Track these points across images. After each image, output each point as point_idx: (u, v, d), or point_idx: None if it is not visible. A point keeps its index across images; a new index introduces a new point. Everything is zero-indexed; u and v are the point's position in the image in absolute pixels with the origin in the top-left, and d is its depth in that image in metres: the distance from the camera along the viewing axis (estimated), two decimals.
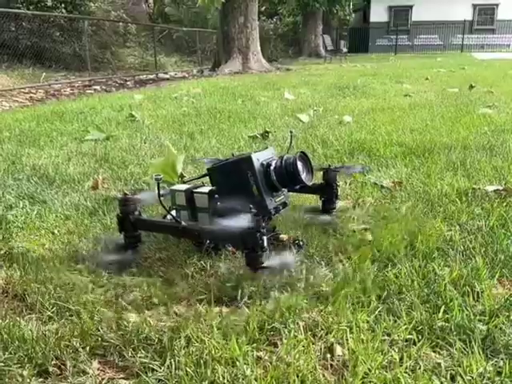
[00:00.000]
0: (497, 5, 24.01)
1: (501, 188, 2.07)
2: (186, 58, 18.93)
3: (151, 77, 13.16)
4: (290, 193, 1.70)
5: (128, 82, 11.47)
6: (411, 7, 24.82)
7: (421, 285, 1.28)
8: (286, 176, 1.51)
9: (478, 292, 1.24)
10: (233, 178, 1.52)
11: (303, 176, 1.53)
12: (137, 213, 1.56)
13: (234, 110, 4.91)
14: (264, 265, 1.36)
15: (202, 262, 1.47)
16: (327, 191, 1.86)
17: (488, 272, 1.35)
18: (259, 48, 13.11)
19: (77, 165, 2.61)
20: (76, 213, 1.88)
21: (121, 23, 15.43)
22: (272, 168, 1.51)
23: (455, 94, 5.75)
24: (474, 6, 24.14)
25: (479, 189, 2.09)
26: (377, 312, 1.16)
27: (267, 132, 3.64)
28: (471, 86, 6.13)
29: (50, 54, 11.08)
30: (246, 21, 12.52)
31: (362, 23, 27.66)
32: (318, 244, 1.57)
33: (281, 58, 21.76)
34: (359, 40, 25.41)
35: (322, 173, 1.89)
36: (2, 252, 1.54)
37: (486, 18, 24.38)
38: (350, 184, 2.29)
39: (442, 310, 1.15)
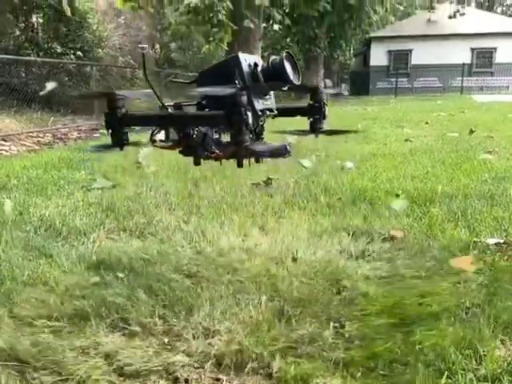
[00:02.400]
0: (495, 48, 24.68)
1: (502, 241, 2.09)
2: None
3: None
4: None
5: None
6: (410, 51, 25.53)
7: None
8: (274, 76, 1.48)
9: (480, 355, 1.24)
10: (220, 79, 1.47)
11: (290, 75, 1.50)
12: (124, 110, 1.54)
13: None
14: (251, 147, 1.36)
15: None
16: (315, 111, 1.83)
17: (491, 332, 1.35)
18: None
19: (83, 215, 2.66)
20: (80, 268, 1.90)
21: (128, 68, 15.90)
22: (259, 69, 1.50)
23: (455, 138, 5.84)
24: (473, 49, 24.81)
25: (480, 242, 2.11)
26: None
27: (270, 179, 3.70)
28: (471, 131, 6.23)
29: (59, 98, 11.35)
30: None
31: (363, 67, 28.39)
32: None
33: (283, 99, 22.21)
34: (360, 83, 26.00)
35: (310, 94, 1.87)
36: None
37: (484, 61, 25.01)
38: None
39: (445, 375, 1.15)
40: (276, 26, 21.38)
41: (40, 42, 12.69)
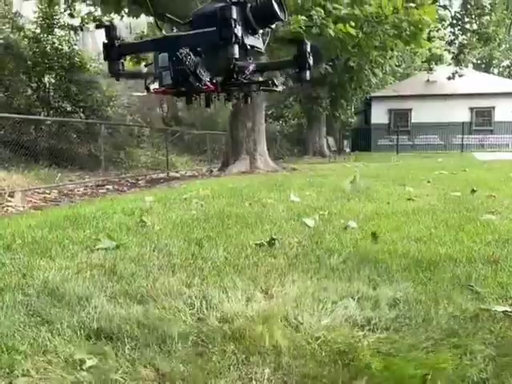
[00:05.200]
0: (493, 107, 25.35)
1: (509, 310, 2.06)
2: (196, 157, 19.74)
3: (162, 175, 13.63)
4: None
5: (140, 181, 11.87)
6: (410, 110, 26.23)
7: None
8: (262, 13, 1.60)
9: None
10: (210, 20, 1.57)
11: (278, 11, 1.61)
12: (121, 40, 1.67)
13: (242, 214, 5.02)
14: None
15: None
16: (301, 62, 1.86)
17: None
18: (266, 149, 13.70)
19: (86, 278, 2.66)
20: (81, 337, 1.88)
21: (136, 126, 16.36)
22: (248, 7, 1.59)
23: (458, 198, 5.88)
24: (471, 108, 25.49)
25: (487, 310, 2.08)
26: None
27: (273, 239, 3.71)
28: (473, 190, 6.28)
29: (67, 155, 11.64)
30: (254, 125, 13.21)
31: (364, 124, 29.08)
32: None
33: (287, 156, 22.63)
34: (361, 140, 26.54)
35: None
36: None
37: (483, 119, 25.64)
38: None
39: None
40: (280, 87, 22.16)
41: (51, 101, 13.15)
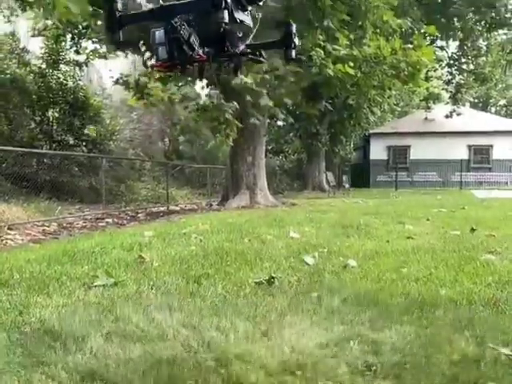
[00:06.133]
0: (491, 146, 25.66)
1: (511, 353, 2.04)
2: (196, 190, 19.81)
3: (162, 209, 13.63)
4: None
5: (140, 215, 11.86)
6: (409, 147, 26.53)
7: None
8: None
9: None
10: None
11: None
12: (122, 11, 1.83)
13: (241, 251, 5.00)
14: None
15: None
16: (287, 41, 2.03)
17: None
18: (266, 184, 13.76)
19: (82, 317, 2.62)
20: (73, 380, 1.85)
21: (137, 160, 16.49)
22: None
23: (457, 237, 5.87)
24: (470, 146, 25.80)
25: (489, 354, 2.05)
26: None
27: (273, 277, 3.68)
28: (472, 229, 6.28)
29: (67, 188, 11.69)
30: (254, 160, 13.33)
31: (363, 160, 29.35)
32: None
33: (286, 191, 22.71)
34: (360, 175, 26.72)
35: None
36: None
37: (482, 157, 25.91)
38: None
39: None
40: (280, 122, 22.52)
41: (54, 134, 13.33)
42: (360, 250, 5.00)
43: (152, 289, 3.36)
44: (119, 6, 1.93)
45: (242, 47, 2.01)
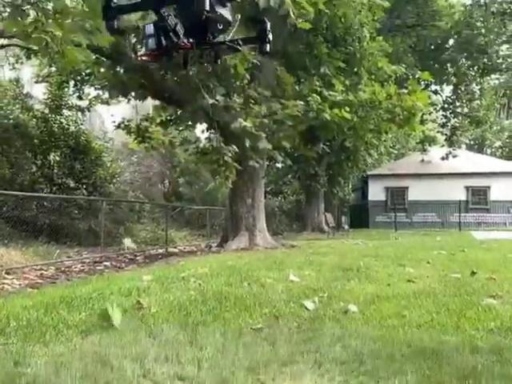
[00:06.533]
0: (488, 187, 25.83)
1: None
2: (195, 231, 19.77)
3: (161, 251, 13.56)
4: None
5: (138, 257, 11.78)
6: (407, 188, 26.69)
7: None
8: None
9: None
10: None
11: None
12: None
13: (240, 295, 4.95)
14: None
15: None
16: (262, 37, 2.42)
17: None
18: (265, 226, 13.74)
19: (78, 369, 2.58)
20: None
21: (137, 203, 16.55)
22: None
23: (457, 280, 5.83)
24: (467, 187, 25.96)
25: None
26: None
27: (272, 324, 3.64)
28: (473, 272, 6.24)
29: (66, 231, 11.66)
30: (253, 202, 13.36)
31: (362, 201, 29.44)
32: None
33: (285, 232, 22.65)
34: (359, 216, 26.72)
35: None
36: None
37: (479, 198, 26.03)
38: None
39: None
40: (279, 164, 22.75)
41: (54, 177, 13.43)
42: (361, 294, 4.95)
43: (149, 337, 3.31)
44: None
45: (222, 38, 2.35)
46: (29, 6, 4.21)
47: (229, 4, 2.32)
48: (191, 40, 2.25)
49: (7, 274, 7.83)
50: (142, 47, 2.37)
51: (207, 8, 2.04)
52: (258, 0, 5.27)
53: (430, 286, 5.53)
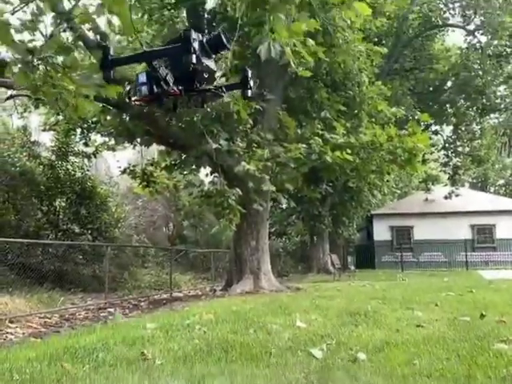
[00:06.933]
0: (494, 225, 25.68)
1: None
2: (200, 274, 19.61)
3: (165, 296, 13.44)
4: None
5: (142, 303, 11.68)
6: (412, 227, 26.58)
7: None
8: (215, 42, 2.45)
9: None
10: (177, 40, 2.43)
11: (225, 41, 2.47)
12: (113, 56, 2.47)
13: (246, 344, 4.87)
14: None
15: None
16: (245, 85, 2.72)
17: None
18: (270, 268, 13.65)
19: None
20: None
21: (141, 247, 16.52)
22: (205, 40, 2.44)
23: (467, 323, 5.73)
24: (473, 226, 25.82)
25: None
26: None
27: (280, 376, 3.58)
28: (482, 315, 6.13)
29: (71, 277, 11.61)
30: (258, 244, 13.32)
31: (367, 240, 29.27)
32: None
33: (291, 273, 22.43)
34: (365, 256, 26.50)
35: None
36: None
37: (485, 237, 25.84)
38: None
39: None
40: (283, 203, 22.82)
41: (59, 223, 13.50)
42: (369, 341, 4.86)
43: None
44: (111, 51, 2.57)
45: (207, 85, 2.57)
46: (39, 61, 4.36)
47: (214, 56, 2.64)
48: (180, 87, 2.49)
49: (11, 322, 7.77)
50: (135, 93, 2.64)
51: (194, 61, 2.35)
52: (259, 52, 5.45)
53: (440, 330, 5.43)
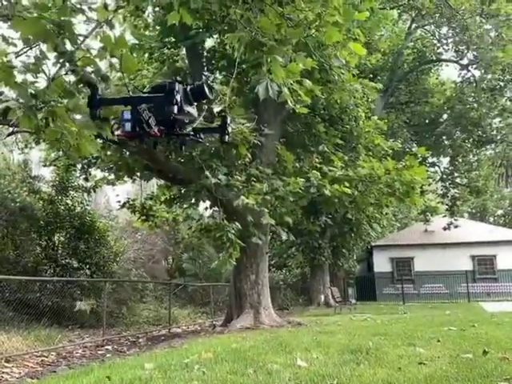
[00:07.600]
0: (494, 256, 25.54)
1: None
2: (199, 309, 19.36)
3: (164, 332, 13.25)
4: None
5: (140, 340, 11.50)
6: (412, 258, 26.44)
7: None
8: (197, 91, 2.67)
9: None
10: (161, 89, 2.63)
11: (207, 92, 2.70)
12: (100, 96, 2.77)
13: None
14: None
15: None
16: (223, 129, 2.87)
17: None
18: (270, 303, 13.52)
19: None
20: None
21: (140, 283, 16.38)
22: (188, 88, 2.68)
23: (469, 361, 5.65)
24: (473, 257, 25.68)
25: None
26: None
27: None
28: (485, 351, 6.06)
29: (68, 313, 11.47)
30: (257, 278, 13.25)
31: (367, 272, 29.05)
32: None
33: (291, 306, 22.16)
34: (366, 288, 26.23)
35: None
36: None
37: (486, 268, 25.66)
38: None
39: None
40: (283, 236, 22.76)
41: (58, 258, 13.45)
42: (371, 381, 4.79)
43: None
44: (99, 91, 2.80)
45: (187, 130, 2.75)
46: (43, 105, 4.45)
47: (195, 103, 2.84)
48: (162, 128, 2.65)
49: (7, 361, 7.65)
50: (118, 128, 2.89)
51: (175, 112, 2.55)
52: (257, 91, 5.58)
53: (442, 368, 5.35)
